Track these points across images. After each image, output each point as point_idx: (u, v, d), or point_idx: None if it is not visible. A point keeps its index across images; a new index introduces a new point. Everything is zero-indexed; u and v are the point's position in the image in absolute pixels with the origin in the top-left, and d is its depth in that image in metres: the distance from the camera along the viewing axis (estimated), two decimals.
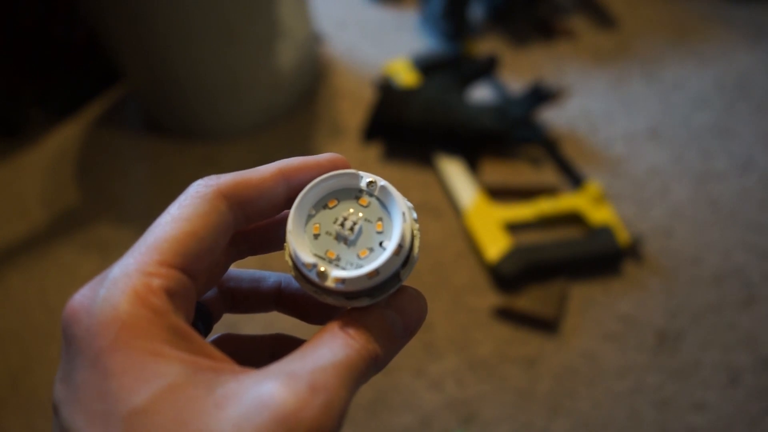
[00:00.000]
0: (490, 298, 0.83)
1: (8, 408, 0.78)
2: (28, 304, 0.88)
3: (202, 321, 0.23)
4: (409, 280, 0.23)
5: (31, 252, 0.95)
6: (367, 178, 0.23)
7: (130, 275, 0.19)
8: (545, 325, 0.80)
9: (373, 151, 1.03)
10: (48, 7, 1.06)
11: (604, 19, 1.26)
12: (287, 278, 0.26)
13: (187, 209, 0.21)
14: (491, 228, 0.87)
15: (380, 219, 0.23)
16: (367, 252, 0.22)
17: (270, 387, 0.18)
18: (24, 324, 0.86)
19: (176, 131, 1.10)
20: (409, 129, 0.99)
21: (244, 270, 0.26)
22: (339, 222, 0.23)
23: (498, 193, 0.94)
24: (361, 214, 0.23)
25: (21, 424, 0.77)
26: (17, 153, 1.10)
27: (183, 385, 0.18)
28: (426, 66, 1.10)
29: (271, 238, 0.25)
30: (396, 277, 0.22)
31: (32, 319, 0.87)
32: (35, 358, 0.82)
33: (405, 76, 1.09)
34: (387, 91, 1.03)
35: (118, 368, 0.18)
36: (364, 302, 0.22)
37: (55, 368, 0.20)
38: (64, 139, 1.11)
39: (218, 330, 0.26)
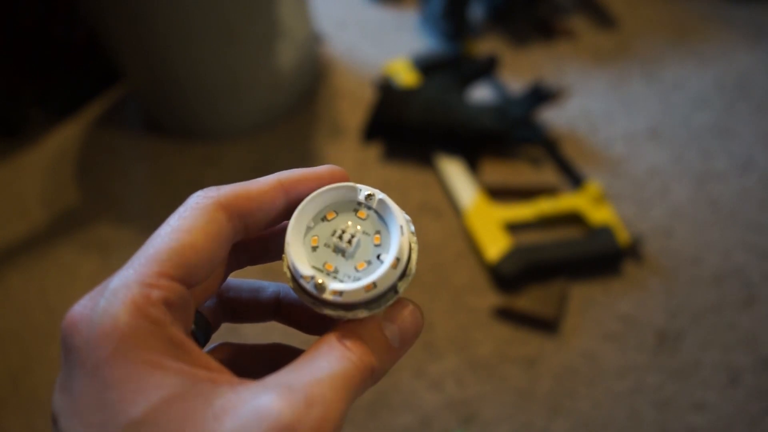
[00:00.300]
0: (490, 298, 0.83)
1: (8, 408, 0.78)
2: (28, 304, 0.88)
3: (201, 331, 0.24)
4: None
5: (31, 252, 0.95)
6: (365, 191, 0.23)
7: (129, 286, 0.19)
8: (545, 325, 0.80)
9: (373, 151, 1.03)
10: (48, 7, 1.06)
11: (604, 19, 1.25)
12: (286, 289, 0.26)
13: (187, 221, 0.21)
14: (491, 228, 0.87)
15: (378, 232, 0.23)
16: (365, 265, 0.23)
17: (267, 399, 0.18)
18: (24, 324, 0.86)
19: (176, 131, 1.10)
20: (409, 129, 0.99)
21: (243, 280, 0.26)
22: (337, 234, 0.23)
23: (498, 193, 0.94)
24: (359, 227, 0.23)
25: (21, 424, 0.77)
26: (17, 153, 1.10)
27: (181, 396, 0.18)
28: (426, 66, 1.10)
29: (271, 248, 0.25)
30: (393, 289, 0.22)
31: (32, 319, 0.87)
32: (35, 358, 0.83)
33: (405, 76, 1.09)
34: (387, 91, 1.03)
35: (117, 379, 0.18)
36: (362, 314, 0.22)
37: (55, 368, 0.20)
38: (64, 139, 1.11)
39: (219, 334, 0.26)
